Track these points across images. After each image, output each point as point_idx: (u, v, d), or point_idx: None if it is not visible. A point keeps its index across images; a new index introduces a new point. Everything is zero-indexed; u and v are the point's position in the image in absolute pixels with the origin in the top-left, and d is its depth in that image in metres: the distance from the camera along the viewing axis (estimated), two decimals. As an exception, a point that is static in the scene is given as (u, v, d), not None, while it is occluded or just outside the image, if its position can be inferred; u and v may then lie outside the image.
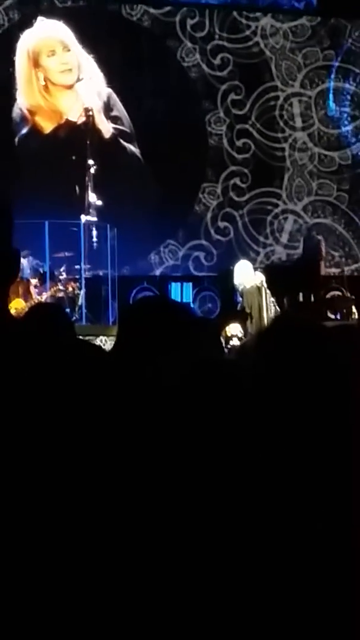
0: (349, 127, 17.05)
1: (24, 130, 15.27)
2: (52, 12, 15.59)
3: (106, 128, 15.53)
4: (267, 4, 16.82)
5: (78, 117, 15.32)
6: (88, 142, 15.16)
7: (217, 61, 16.38)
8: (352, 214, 16.95)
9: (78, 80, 15.47)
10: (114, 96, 15.75)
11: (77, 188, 14.65)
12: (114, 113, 15.77)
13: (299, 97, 16.86)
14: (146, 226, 15.29)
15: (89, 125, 15.23)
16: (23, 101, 15.28)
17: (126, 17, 16.00)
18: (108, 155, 15.33)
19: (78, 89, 15.34)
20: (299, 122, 16.83)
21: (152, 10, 16.09)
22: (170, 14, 16.20)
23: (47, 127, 15.40)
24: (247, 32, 16.57)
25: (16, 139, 15.20)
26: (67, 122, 15.40)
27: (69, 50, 15.49)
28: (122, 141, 15.70)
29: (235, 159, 16.38)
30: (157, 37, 16.10)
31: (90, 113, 15.26)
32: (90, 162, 14.83)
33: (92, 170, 14.77)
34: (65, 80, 15.41)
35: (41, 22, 15.39)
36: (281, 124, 16.72)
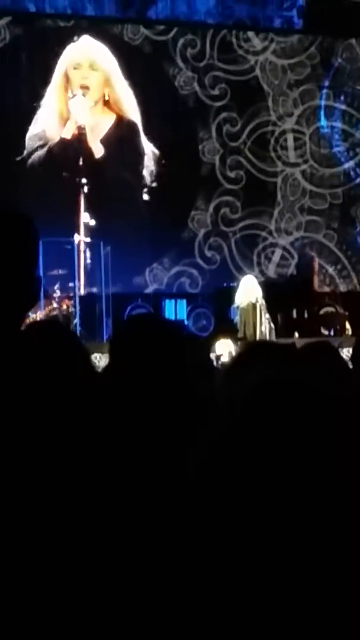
0: (342, 168, 17.10)
1: (35, 137, 15.26)
2: (52, 32, 15.61)
3: (97, 148, 15.50)
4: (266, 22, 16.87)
5: (71, 135, 15.32)
6: (81, 161, 15.17)
7: (215, 91, 16.43)
8: (340, 253, 16.96)
9: (96, 102, 15.54)
10: (137, 128, 15.83)
11: (69, 206, 14.63)
12: (130, 143, 15.81)
13: (293, 133, 16.89)
14: (136, 246, 15.23)
15: (81, 143, 15.25)
16: (51, 106, 15.30)
17: (127, 41, 16.02)
18: (100, 175, 15.31)
19: (71, 107, 15.34)
20: (292, 158, 16.87)
21: (153, 37, 16.13)
22: (171, 41, 16.23)
23: (56, 137, 15.40)
24: (247, 65, 16.62)
25: (27, 144, 15.17)
26: (61, 139, 15.37)
27: (95, 70, 15.57)
28: (116, 166, 15.66)
29: (226, 189, 16.37)
30: (156, 63, 16.14)
31: (83, 131, 15.27)
32: (83, 180, 14.81)
33: (84, 189, 14.72)
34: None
35: (86, 39, 15.54)
36: (274, 158, 16.75)
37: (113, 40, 15.93)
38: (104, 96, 15.65)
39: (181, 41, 16.32)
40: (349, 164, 17.19)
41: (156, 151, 15.81)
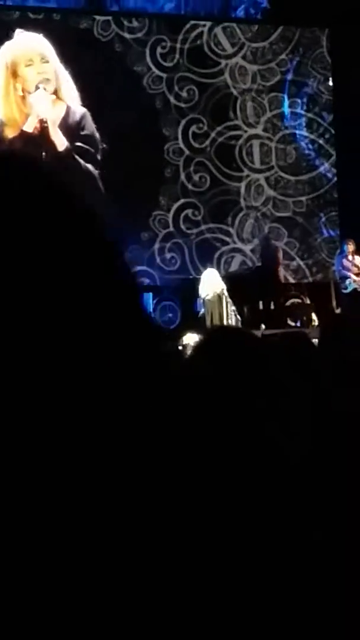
0: (307, 176, 17.10)
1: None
2: (23, 24, 15.42)
3: (60, 141, 15.31)
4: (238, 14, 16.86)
5: (33, 129, 15.15)
6: (43, 154, 14.99)
7: (183, 93, 16.38)
8: (300, 262, 16.92)
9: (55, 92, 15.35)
10: (88, 116, 15.60)
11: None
12: (84, 132, 15.59)
13: (260, 140, 16.85)
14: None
15: (44, 137, 15.08)
16: None
17: (97, 37, 15.90)
18: (63, 167, 15.12)
19: (33, 101, 15.15)
20: (257, 164, 16.81)
21: (124, 35, 16.04)
22: (141, 40, 16.15)
23: (14, 134, 15.19)
24: (217, 69, 16.59)
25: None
26: (22, 133, 15.18)
27: (47, 61, 15.37)
28: (77, 158, 15.48)
29: (189, 192, 16.29)
30: (125, 61, 16.07)
31: (45, 124, 15.11)
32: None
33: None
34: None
35: (20, 34, 15.27)
36: (240, 163, 16.69)
37: (82, 35, 15.79)
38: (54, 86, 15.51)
39: (151, 40, 16.24)
40: (315, 173, 17.17)
41: (117, 146, 15.64)
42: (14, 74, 15.24)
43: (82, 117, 15.75)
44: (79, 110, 15.70)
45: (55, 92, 15.54)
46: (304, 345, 3.62)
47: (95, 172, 15.71)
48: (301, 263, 16.98)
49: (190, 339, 11.41)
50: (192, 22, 16.54)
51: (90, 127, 15.73)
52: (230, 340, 2.51)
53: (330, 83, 17.30)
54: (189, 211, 16.30)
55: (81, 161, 15.70)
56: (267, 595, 1.25)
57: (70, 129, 15.61)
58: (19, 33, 15.29)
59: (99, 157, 15.73)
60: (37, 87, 15.14)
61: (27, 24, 15.26)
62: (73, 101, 15.66)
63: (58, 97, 15.58)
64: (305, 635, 1.27)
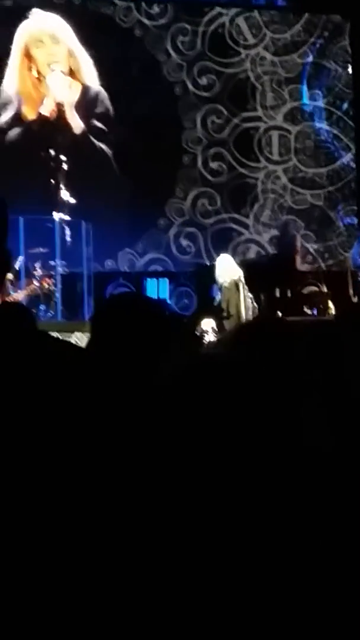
0: (325, 169, 17.02)
1: (7, 118, 15.02)
2: (44, 8, 15.41)
3: (77, 124, 15.31)
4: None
5: (50, 111, 15.13)
6: (60, 137, 15.02)
7: (202, 81, 16.32)
8: (316, 255, 16.84)
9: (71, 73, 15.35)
10: (104, 94, 15.59)
11: (49, 183, 14.44)
12: (99, 110, 15.59)
13: (279, 131, 16.76)
14: (111, 229, 15.00)
15: (60, 119, 15.09)
16: (13, 87, 15.04)
17: (119, 22, 15.85)
18: (79, 151, 15.13)
19: (49, 83, 15.12)
20: (276, 156, 16.74)
21: (145, 21, 15.97)
22: (162, 27, 16.07)
23: (32, 116, 15.19)
24: (237, 58, 16.50)
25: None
26: (40, 115, 15.16)
27: (58, 43, 15.35)
28: (92, 139, 15.46)
29: (206, 181, 16.23)
30: (145, 48, 16.03)
31: (62, 107, 15.11)
32: (62, 157, 14.64)
33: (64, 166, 14.56)
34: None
35: (36, 13, 15.26)
36: (258, 154, 16.61)
37: (103, 20, 15.73)
38: (69, 67, 15.49)
39: (172, 28, 16.16)
40: (334, 165, 17.09)
41: (136, 133, 15.61)
42: (28, 55, 15.27)
43: (97, 95, 15.76)
44: (94, 88, 15.72)
45: (72, 73, 15.56)
46: (329, 335, 3.57)
47: (109, 152, 15.74)
48: (316, 255, 16.90)
49: (207, 324, 11.45)
50: (214, 10, 16.46)
51: (106, 105, 15.73)
52: (259, 331, 2.47)
53: (351, 74, 17.22)
54: (204, 200, 16.24)
55: (95, 142, 15.73)
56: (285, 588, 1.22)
57: (86, 107, 15.60)
58: (34, 13, 15.32)
59: (112, 137, 15.74)
60: (52, 69, 15.16)
61: (47, 8, 15.28)
62: (91, 81, 15.66)
63: (75, 78, 15.60)
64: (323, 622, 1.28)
